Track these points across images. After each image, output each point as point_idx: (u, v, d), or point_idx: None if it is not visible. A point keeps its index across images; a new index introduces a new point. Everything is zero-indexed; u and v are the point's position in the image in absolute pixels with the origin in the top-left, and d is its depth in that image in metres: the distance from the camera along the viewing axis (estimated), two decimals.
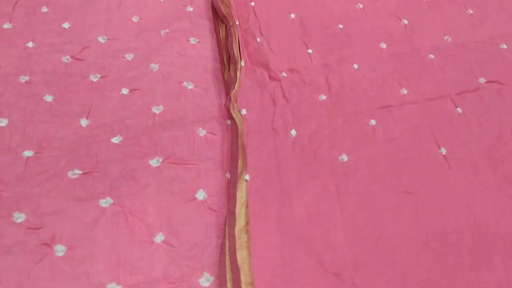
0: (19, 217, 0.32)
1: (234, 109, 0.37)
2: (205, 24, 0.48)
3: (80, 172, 0.35)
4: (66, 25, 0.48)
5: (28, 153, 0.36)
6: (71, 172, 0.35)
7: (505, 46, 0.39)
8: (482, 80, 0.37)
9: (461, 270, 0.27)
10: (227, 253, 0.30)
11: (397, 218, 0.29)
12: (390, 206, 0.30)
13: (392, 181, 0.31)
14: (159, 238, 0.31)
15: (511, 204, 0.30)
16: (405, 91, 0.36)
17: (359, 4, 0.44)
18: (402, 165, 0.32)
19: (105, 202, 0.33)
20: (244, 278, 0.28)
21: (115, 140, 0.37)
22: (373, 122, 0.34)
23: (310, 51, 0.40)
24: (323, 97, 0.36)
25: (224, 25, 0.46)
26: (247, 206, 0.31)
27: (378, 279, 0.27)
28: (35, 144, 0.37)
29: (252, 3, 0.45)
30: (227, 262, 0.29)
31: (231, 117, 0.38)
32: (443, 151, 0.33)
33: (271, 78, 0.39)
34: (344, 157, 0.33)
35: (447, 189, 0.31)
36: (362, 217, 0.30)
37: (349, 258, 0.28)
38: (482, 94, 0.36)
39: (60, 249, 0.30)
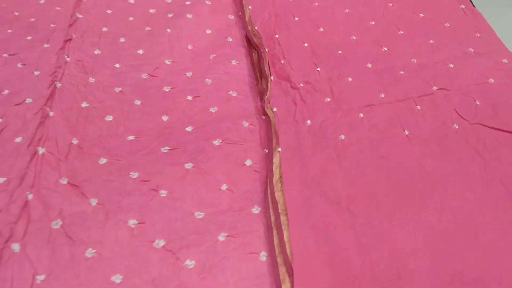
0: (134, 175, 0.51)
1: (267, 108, 0.56)
2: (241, 51, 0.68)
3: (169, 148, 0.53)
4: (140, 51, 0.68)
5: (131, 137, 0.55)
6: (163, 148, 0.54)
7: (452, 65, 0.58)
8: (435, 88, 0.56)
9: (412, 192, 0.46)
10: (269, 194, 0.48)
11: (376, 172, 0.48)
12: (372, 166, 0.49)
13: (372, 151, 0.50)
14: (224, 187, 0.50)
15: (448, 162, 0.48)
16: (383, 95, 0.55)
17: (353, 36, 0.64)
18: (379, 141, 0.51)
19: (188, 165, 0.51)
20: (280, 207, 0.46)
21: (188, 129, 0.56)
22: (361, 115, 0.53)
23: (318, 69, 0.59)
24: (328, 99, 0.55)
25: (256, 51, 0.66)
26: (280, 167, 0.49)
27: (364, 205, 0.45)
28: (134, 132, 0.56)
29: (277, 36, 0.64)
30: (269, 199, 0.48)
31: (265, 114, 0.57)
32: (406, 132, 0.51)
33: (292, 87, 0.58)
34: (342, 137, 0.51)
35: (408, 155, 0.49)
36: (354, 172, 0.48)
37: (345, 194, 0.46)
38: (434, 97, 0.55)
39: (163, 193, 0.49)
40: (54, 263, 0.43)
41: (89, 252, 0.43)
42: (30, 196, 0.47)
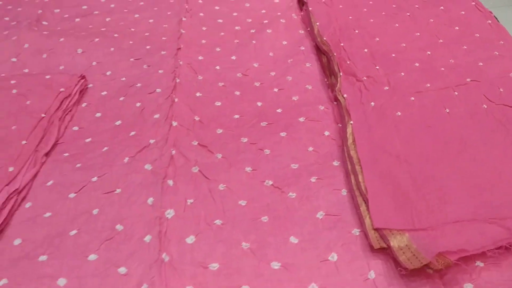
0: (244, 139, 0.70)
1: (339, 95, 0.76)
2: (312, 57, 0.88)
3: (266, 123, 0.73)
4: (233, 57, 0.89)
5: (236, 116, 0.76)
6: (262, 123, 0.73)
7: (481, 64, 0.77)
8: (468, 79, 0.74)
9: (451, 149, 0.64)
10: (345, 152, 0.67)
11: (425, 136, 0.66)
12: (421, 132, 0.67)
13: (421, 123, 0.68)
14: (310, 149, 0.69)
15: (479, 130, 0.66)
16: (428, 85, 0.74)
17: (402, 44, 0.84)
18: (427, 116, 0.69)
19: (282, 134, 0.70)
20: (354, 160, 0.65)
21: (278, 110, 0.76)
22: (412, 98, 0.72)
23: (377, 67, 0.79)
24: (386, 88, 0.74)
25: (325, 56, 0.86)
26: (352, 134, 0.69)
27: (417, 158, 0.64)
28: (238, 113, 0.76)
29: (342, 44, 0.85)
30: (346, 156, 0.67)
31: (336, 100, 0.77)
32: (447, 110, 0.70)
33: (357, 80, 0.77)
34: (398, 113, 0.70)
35: (449, 126, 0.67)
36: (408, 137, 0.67)
37: (402, 150, 0.65)
38: (468, 86, 0.73)
39: (267, 151, 0.68)
40: (197, 193, 0.62)
41: (221, 186, 0.63)
42: (174, 152, 0.67)
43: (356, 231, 0.57)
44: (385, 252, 0.55)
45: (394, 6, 0.93)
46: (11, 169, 0.64)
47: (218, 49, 0.90)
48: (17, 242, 0.58)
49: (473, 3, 0.90)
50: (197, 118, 0.74)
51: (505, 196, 0.57)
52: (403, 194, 0.59)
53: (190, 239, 0.57)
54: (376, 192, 0.60)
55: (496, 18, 0.86)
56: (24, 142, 0.68)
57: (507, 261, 0.52)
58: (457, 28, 0.84)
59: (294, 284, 0.53)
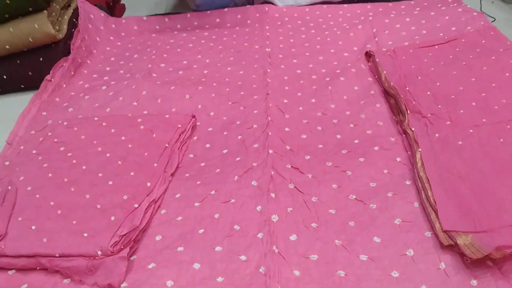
0: (329, 163, 0.88)
1: (408, 128, 0.93)
2: (381, 99, 1.06)
3: (346, 151, 0.91)
4: (313, 100, 1.08)
5: (320, 146, 0.93)
6: (342, 150, 0.91)
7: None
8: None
9: (506, 168, 0.78)
10: (416, 173, 0.83)
11: (481, 159, 0.81)
12: (478, 155, 0.82)
13: (479, 149, 0.83)
14: (385, 171, 0.85)
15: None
16: (484, 120, 0.89)
17: (460, 87, 1.00)
18: (484, 143, 0.84)
19: (361, 159, 0.88)
20: (424, 180, 0.81)
21: (356, 141, 0.93)
22: (471, 131, 0.88)
23: (439, 106, 0.95)
24: (448, 122, 0.91)
25: (392, 98, 1.04)
26: (421, 159, 0.84)
27: (477, 177, 0.78)
28: (322, 143, 0.94)
29: (407, 88, 1.02)
30: (416, 176, 0.82)
31: (405, 133, 0.93)
32: (501, 140, 0.85)
33: (422, 117, 0.94)
34: (460, 142, 0.86)
35: (503, 150, 0.82)
36: (469, 161, 0.82)
37: (464, 171, 0.80)
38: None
39: (348, 173, 0.86)
40: (294, 203, 0.80)
41: (314, 199, 0.81)
42: (273, 172, 0.86)
43: (428, 233, 0.72)
44: (453, 248, 0.70)
45: (451, 56, 1.10)
46: (148, 184, 0.84)
47: (299, 94, 1.10)
48: (158, 238, 0.77)
49: None
50: (288, 147, 0.93)
51: None
52: (466, 205, 0.74)
53: (293, 237, 0.74)
54: (443, 204, 0.75)
55: None
56: (155, 164, 0.89)
57: None
58: (507, 74, 1.00)
59: (379, 271, 0.68)
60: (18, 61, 1.28)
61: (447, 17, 1.30)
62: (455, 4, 1.40)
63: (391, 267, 0.68)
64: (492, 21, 1.36)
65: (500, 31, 1.21)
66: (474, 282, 0.65)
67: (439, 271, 0.67)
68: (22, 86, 1.29)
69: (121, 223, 0.76)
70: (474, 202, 0.74)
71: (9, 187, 0.88)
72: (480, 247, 0.66)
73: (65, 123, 1.06)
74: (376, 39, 1.27)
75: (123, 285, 0.70)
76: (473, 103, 0.94)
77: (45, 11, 1.27)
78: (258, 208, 0.79)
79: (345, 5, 1.48)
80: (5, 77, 1.28)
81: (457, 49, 1.14)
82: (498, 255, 0.65)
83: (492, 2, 1.51)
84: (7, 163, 0.99)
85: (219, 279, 0.69)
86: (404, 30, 1.28)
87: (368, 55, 1.20)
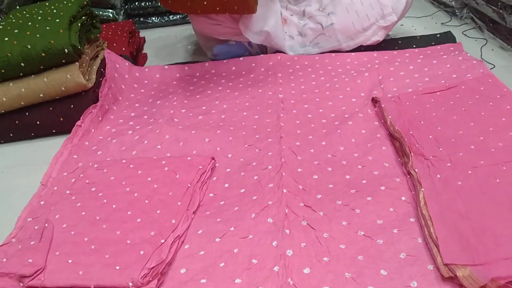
0: (338, 202, 0.96)
1: (411, 170, 1.01)
2: (387, 142, 1.14)
3: (355, 190, 0.99)
4: (323, 143, 1.17)
5: (331, 186, 1.02)
6: (351, 190, 0.99)
7: None
8: None
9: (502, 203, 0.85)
10: (419, 212, 0.90)
11: (481, 198, 0.88)
12: (476, 194, 0.89)
13: (477, 189, 0.91)
14: (391, 209, 0.93)
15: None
16: (482, 162, 0.97)
17: (460, 131, 1.09)
18: (480, 184, 0.92)
19: (369, 198, 0.96)
20: (427, 217, 0.88)
21: (364, 181, 1.01)
22: (469, 172, 0.96)
23: (441, 149, 1.03)
24: (448, 164, 0.99)
25: (397, 141, 1.13)
26: (424, 198, 0.92)
27: (474, 213, 0.85)
28: (332, 183, 1.02)
29: (411, 132, 1.11)
30: (420, 214, 0.90)
31: (409, 174, 1.01)
32: (498, 180, 0.92)
33: (425, 159, 1.02)
34: (459, 183, 0.93)
35: (500, 190, 0.90)
36: (468, 199, 0.89)
37: (463, 210, 0.87)
38: None
39: (357, 211, 0.93)
40: (308, 239, 0.88)
41: (325, 235, 0.88)
42: (287, 210, 0.94)
43: (430, 267, 0.79)
44: (453, 280, 0.76)
45: (452, 102, 1.19)
46: (173, 221, 0.93)
47: (310, 137, 1.19)
48: (182, 271, 0.85)
49: None
50: (300, 187, 1.01)
51: None
52: (466, 240, 0.81)
53: (306, 270, 0.81)
54: (444, 239, 0.82)
55: None
56: (179, 203, 0.98)
57: None
58: (503, 119, 1.08)
59: None
60: (51, 108, 1.39)
61: (448, 65, 1.40)
62: (457, 52, 1.50)
63: None
64: (492, 68, 1.46)
65: (499, 76, 1.31)
66: None
67: None
68: (54, 131, 1.40)
69: (149, 257, 0.84)
70: (472, 237, 0.81)
71: (46, 225, 0.97)
72: (477, 278, 0.73)
73: (95, 166, 1.16)
74: (382, 85, 1.37)
75: None
76: (472, 146, 1.02)
77: (77, 63, 1.39)
78: (274, 243, 0.87)
79: (353, 54, 1.60)
80: (38, 122, 1.39)
81: (458, 96, 1.23)
82: (494, 286, 0.72)
83: (492, 50, 1.61)
84: (42, 202, 1.08)
85: None
86: (408, 77, 1.38)
87: (375, 101, 1.30)
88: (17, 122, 1.38)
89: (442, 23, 1.87)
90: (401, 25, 1.85)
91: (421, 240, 0.85)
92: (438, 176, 0.96)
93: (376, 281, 0.78)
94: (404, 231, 0.87)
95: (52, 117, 1.39)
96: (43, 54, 1.33)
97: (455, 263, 0.77)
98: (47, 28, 1.37)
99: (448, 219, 0.86)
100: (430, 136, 1.08)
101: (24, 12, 1.55)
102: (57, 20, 1.40)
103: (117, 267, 0.83)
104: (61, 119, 1.39)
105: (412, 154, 1.04)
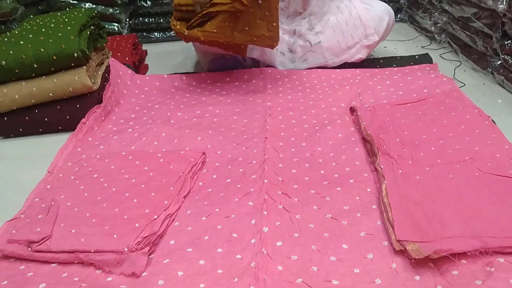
0: (312, 191, 1.10)
1: (378, 166, 1.15)
2: (360, 145, 1.29)
3: (327, 182, 1.13)
4: (303, 144, 1.32)
5: (307, 178, 1.16)
6: (324, 182, 1.13)
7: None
8: (466, 157, 1.12)
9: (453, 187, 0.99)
10: (381, 200, 1.04)
11: (437, 186, 1.03)
12: (434, 185, 1.04)
13: (435, 181, 1.05)
14: (357, 198, 1.07)
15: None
16: (439, 160, 1.12)
17: (424, 135, 1.23)
18: (437, 177, 1.06)
19: (338, 188, 1.10)
20: (387, 204, 1.02)
21: (336, 175, 1.16)
22: (427, 168, 1.10)
23: (405, 150, 1.18)
24: (410, 162, 1.13)
25: (369, 144, 1.27)
26: (386, 189, 1.06)
27: (431, 203, 0.99)
28: (309, 176, 1.17)
29: (381, 135, 1.26)
30: (381, 202, 1.03)
31: (376, 170, 1.15)
32: (451, 175, 1.07)
33: (390, 157, 1.16)
34: (418, 177, 1.08)
35: (451, 179, 1.04)
36: (424, 189, 1.04)
37: (419, 199, 1.01)
38: (466, 163, 1.11)
39: (327, 198, 1.07)
40: (282, 219, 1.01)
41: (297, 216, 1.02)
42: (266, 196, 1.07)
43: (385, 243, 0.93)
44: (403, 253, 0.90)
45: (420, 112, 1.34)
46: (165, 202, 1.06)
47: (292, 139, 1.34)
48: (172, 242, 0.98)
49: (476, 111, 1.30)
50: (280, 179, 1.15)
51: (486, 225, 0.91)
52: (417, 223, 0.94)
53: (279, 243, 0.95)
54: (399, 221, 0.96)
55: (493, 121, 1.25)
56: (171, 188, 1.11)
57: (481, 261, 0.86)
58: (463, 126, 1.23)
59: (344, 269, 0.88)
60: (59, 107, 1.54)
61: (421, 81, 1.56)
62: (431, 71, 1.67)
63: (354, 266, 0.88)
64: (462, 86, 1.62)
65: (468, 93, 1.47)
66: (417, 278, 0.85)
67: (391, 269, 0.87)
68: (60, 127, 1.55)
69: (143, 228, 0.98)
70: (423, 220, 0.95)
71: (52, 203, 1.10)
72: (424, 251, 0.87)
73: (97, 156, 1.30)
74: (360, 97, 1.52)
75: (143, 274, 0.90)
76: (432, 148, 1.17)
77: (84, 66, 1.54)
78: (253, 221, 1.00)
79: (337, 70, 1.76)
80: (46, 119, 1.53)
81: (426, 107, 1.38)
82: (435, 256, 0.85)
83: (465, 71, 1.78)
84: (48, 186, 1.22)
85: (219, 271, 0.89)
86: (384, 91, 1.54)
87: (352, 110, 1.45)
88: (27, 118, 1.52)
89: (422, 46, 2.04)
90: (385, 47, 2.03)
91: (379, 223, 0.98)
92: (400, 171, 1.10)
93: (337, 253, 0.91)
94: (366, 215, 1.01)
95: (59, 115, 1.53)
96: (54, 57, 1.48)
97: (406, 239, 0.91)
98: (59, 34, 1.53)
99: (404, 206, 1.00)
100: (397, 139, 1.23)
101: (38, 20, 1.72)
102: (69, 28, 1.56)
103: (115, 236, 0.96)
104: (68, 117, 1.53)
105: (379, 153, 1.18)
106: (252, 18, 1.49)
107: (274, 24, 1.51)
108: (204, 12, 1.49)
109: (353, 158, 1.23)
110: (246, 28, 1.49)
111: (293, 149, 1.29)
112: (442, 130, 1.24)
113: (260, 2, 1.47)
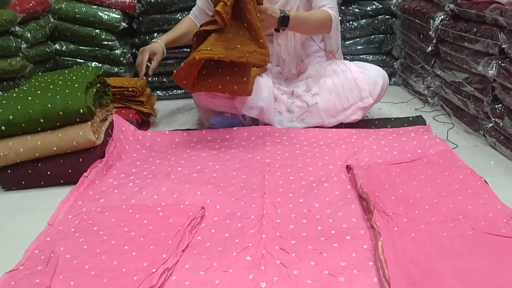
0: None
1: (374, 224, 1.17)
2: (356, 201, 1.32)
3: (324, 239, 1.15)
4: (301, 200, 1.35)
5: (304, 234, 1.18)
6: (321, 238, 1.15)
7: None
8: (460, 216, 1.15)
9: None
10: (377, 257, 1.06)
11: (429, 242, 1.05)
12: (427, 241, 1.06)
13: (426, 239, 1.07)
14: (353, 254, 1.09)
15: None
16: (433, 219, 1.15)
17: (418, 194, 1.27)
18: (433, 235, 1.09)
19: (335, 244, 1.12)
20: (383, 261, 1.04)
21: (333, 232, 1.18)
22: (422, 226, 1.13)
23: (400, 208, 1.21)
24: (405, 219, 1.16)
25: (365, 201, 1.30)
26: (382, 246, 1.08)
27: (422, 258, 1.01)
28: (306, 232, 1.19)
29: (376, 194, 1.29)
30: (378, 258, 1.05)
31: (372, 227, 1.18)
32: (445, 233, 1.09)
33: (386, 215, 1.19)
34: (413, 234, 1.10)
35: (443, 235, 1.06)
36: (417, 247, 1.06)
37: (414, 255, 1.03)
38: (460, 221, 1.14)
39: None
40: (280, 275, 1.02)
41: (295, 272, 1.03)
42: (264, 251, 1.09)
43: None
44: None
45: (414, 172, 1.39)
46: (164, 255, 1.08)
47: (290, 195, 1.37)
48: None
49: (469, 171, 1.35)
50: (278, 234, 1.17)
51: (480, 282, 0.93)
52: (413, 279, 0.96)
53: None
54: (395, 279, 0.97)
55: (486, 182, 1.30)
56: (170, 242, 1.13)
57: None
58: (456, 186, 1.27)
59: None
60: (61, 161, 1.58)
61: (415, 142, 1.62)
62: (425, 132, 1.73)
63: None
64: (455, 147, 1.68)
65: (461, 155, 1.52)
66: None
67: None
68: (62, 181, 1.58)
69: (141, 281, 0.99)
70: (418, 276, 0.97)
71: (52, 255, 1.12)
72: None
73: (98, 209, 1.32)
74: (356, 156, 1.57)
75: None
76: (426, 206, 1.20)
77: (89, 122, 1.60)
78: (250, 276, 1.01)
79: (334, 130, 1.82)
80: (49, 173, 1.57)
81: (420, 166, 1.43)
82: None
83: (457, 133, 1.84)
84: (48, 238, 1.23)
85: None
86: (379, 150, 1.59)
87: (349, 168, 1.49)
88: (30, 171, 1.56)
89: (416, 109, 2.12)
90: (380, 108, 2.11)
91: (376, 280, 1.00)
92: (395, 228, 1.13)
93: None
94: (363, 272, 1.02)
95: (62, 169, 1.57)
96: (61, 113, 1.54)
97: None
98: (67, 91, 1.60)
99: (400, 262, 1.02)
100: (392, 197, 1.26)
101: (46, 77, 1.80)
102: (76, 85, 1.63)
103: None
104: (70, 170, 1.57)
105: (375, 210, 1.21)
106: (243, 38, 1.60)
107: (261, 41, 1.60)
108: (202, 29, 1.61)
109: (349, 215, 1.25)
110: (238, 46, 1.58)
111: (291, 205, 1.32)
112: (436, 189, 1.28)
113: (245, 25, 1.59)
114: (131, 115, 1.97)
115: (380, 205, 1.23)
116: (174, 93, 2.50)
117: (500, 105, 1.60)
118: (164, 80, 2.48)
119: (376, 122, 1.93)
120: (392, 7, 2.33)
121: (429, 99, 2.12)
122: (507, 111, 1.54)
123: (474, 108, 1.74)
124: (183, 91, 2.49)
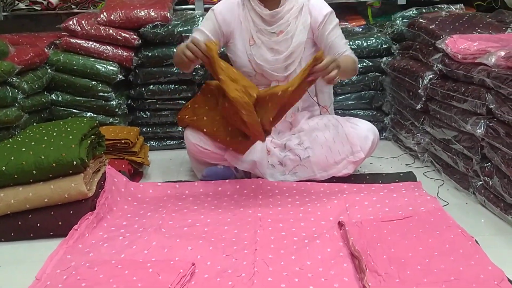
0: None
1: (366, 283, 1.17)
2: (348, 259, 1.31)
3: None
4: (293, 257, 1.34)
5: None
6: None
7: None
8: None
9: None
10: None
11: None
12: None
13: None
14: None
15: None
16: (425, 279, 1.14)
17: (410, 253, 1.27)
18: None
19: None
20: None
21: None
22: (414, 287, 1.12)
23: (392, 267, 1.21)
24: (397, 280, 1.15)
25: (357, 259, 1.30)
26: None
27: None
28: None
29: (368, 252, 1.29)
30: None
31: (364, 287, 1.17)
32: None
33: (378, 275, 1.18)
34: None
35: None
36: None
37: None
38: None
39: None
40: None
41: None
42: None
43: None
44: None
45: (405, 230, 1.40)
46: None
47: (282, 251, 1.36)
48: None
49: (459, 230, 1.36)
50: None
51: None
52: None
53: None
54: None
55: (477, 242, 1.30)
56: None
57: None
58: (447, 245, 1.28)
59: None
60: (52, 212, 1.57)
61: (406, 199, 1.64)
62: (416, 189, 1.75)
63: None
64: (445, 205, 1.69)
65: (451, 212, 1.54)
66: None
67: None
68: (51, 233, 1.56)
69: None
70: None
71: None
72: None
73: (87, 264, 1.30)
74: (348, 212, 1.58)
75: None
76: (418, 266, 1.20)
77: (82, 174, 1.60)
78: None
79: (326, 184, 1.84)
80: (38, 225, 1.55)
81: (411, 224, 1.44)
82: None
83: (448, 190, 1.86)
84: None
85: None
86: (371, 206, 1.60)
87: (341, 225, 1.50)
88: (19, 223, 1.54)
89: (406, 164, 2.15)
90: (371, 163, 2.13)
91: None
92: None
93: None
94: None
95: (52, 221, 1.55)
96: (54, 164, 1.54)
97: None
98: (61, 142, 1.61)
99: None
100: (384, 256, 1.26)
101: (41, 128, 1.81)
102: (70, 137, 1.64)
103: None
104: (60, 223, 1.55)
105: (367, 270, 1.21)
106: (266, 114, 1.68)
107: (267, 129, 1.70)
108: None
109: (341, 274, 1.24)
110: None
111: (282, 262, 1.31)
112: (427, 248, 1.28)
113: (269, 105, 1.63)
114: (123, 166, 1.97)
115: (372, 264, 1.23)
116: (167, 143, 2.52)
117: (489, 164, 1.62)
118: (158, 130, 2.50)
119: (367, 177, 1.94)
120: (382, 65, 2.40)
121: (419, 155, 2.15)
122: (496, 170, 1.57)
123: (463, 166, 1.77)
124: (176, 141, 2.50)
